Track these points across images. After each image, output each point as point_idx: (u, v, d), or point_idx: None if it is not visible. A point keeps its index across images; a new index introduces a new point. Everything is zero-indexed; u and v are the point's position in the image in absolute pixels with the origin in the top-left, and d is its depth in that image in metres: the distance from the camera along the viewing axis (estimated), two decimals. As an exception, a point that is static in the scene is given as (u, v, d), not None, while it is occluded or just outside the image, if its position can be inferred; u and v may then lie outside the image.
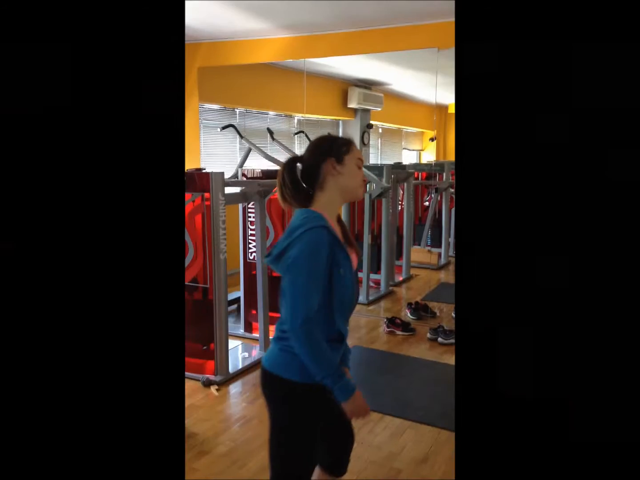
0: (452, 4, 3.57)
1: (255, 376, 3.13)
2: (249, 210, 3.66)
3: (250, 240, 3.71)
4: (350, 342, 3.63)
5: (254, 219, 3.58)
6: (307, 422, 1.35)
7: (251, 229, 3.67)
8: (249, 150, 3.92)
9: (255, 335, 3.59)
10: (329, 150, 1.37)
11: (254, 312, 3.66)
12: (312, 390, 1.29)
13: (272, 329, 3.62)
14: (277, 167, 3.79)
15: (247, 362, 3.26)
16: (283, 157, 4.46)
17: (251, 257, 3.70)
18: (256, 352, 3.43)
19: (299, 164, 1.40)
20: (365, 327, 4.02)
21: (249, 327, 3.78)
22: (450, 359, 3.36)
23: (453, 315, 4.18)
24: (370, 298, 4.60)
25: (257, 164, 5.14)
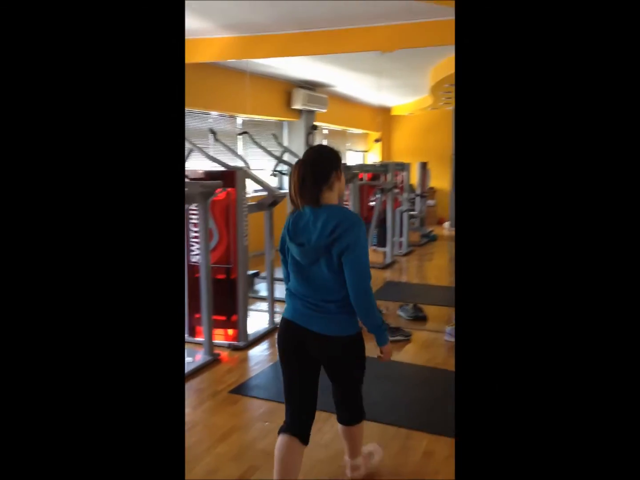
0: (396, 7, 3.63)
1: (198, 381, 3.05)
2: (191, 212, 3.58)
3: (192, 243, 3.62)
4: (298, 342, 3.62)
5: (196, 221, 3.50)
6: (364, 355, 1.87)
7: (193, 232, 3.59)
8: (190, 151, 3.84)
9: (200, 339, 3.51)
10: (338, 161, 1.80)
11: (197, 315, 3.57)
12: (360, 335, 1.83)
13: (217, 332, 3.56)
14: (221, 168, 3.73)
15: (191, 367, 3.18)
16: (226, 158, 4.39)
17: (194, 260, 3.61)
18: (200, 357, 3.35)
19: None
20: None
21: (192, 331, 3.69)
22: (397, 356, 3.40)
23: (398, 312, 4.23)
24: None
25: (199, 164, 5.05)
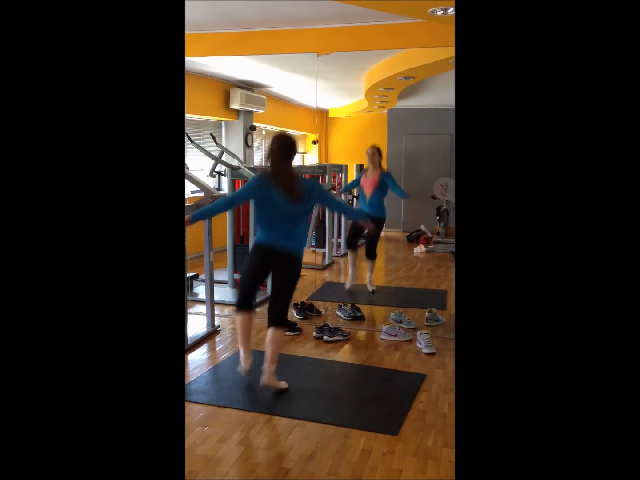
0: (330, 10, 3.67)
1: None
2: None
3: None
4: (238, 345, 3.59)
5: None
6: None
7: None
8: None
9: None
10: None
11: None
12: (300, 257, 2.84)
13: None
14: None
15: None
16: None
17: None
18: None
19: None
20: (252, 329, 4.00)
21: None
22: (335, 356, 3.45)
23: (337, 313, 4.30)
24: (258, 300, 4.58)
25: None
